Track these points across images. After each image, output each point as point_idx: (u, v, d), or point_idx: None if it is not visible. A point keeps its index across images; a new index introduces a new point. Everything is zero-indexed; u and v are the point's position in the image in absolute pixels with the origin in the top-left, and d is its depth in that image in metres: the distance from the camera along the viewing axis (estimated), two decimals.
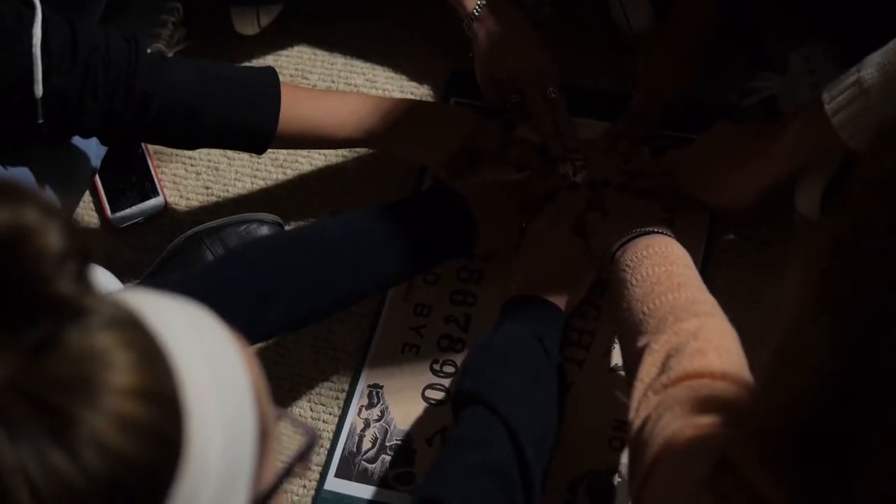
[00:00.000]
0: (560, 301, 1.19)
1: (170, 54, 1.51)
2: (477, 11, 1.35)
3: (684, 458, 0.76)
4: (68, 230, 0.51)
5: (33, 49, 1.08)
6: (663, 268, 1.05)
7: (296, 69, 1.54)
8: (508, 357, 1.11)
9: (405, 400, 1.27)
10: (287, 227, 1.38)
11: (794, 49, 1.33)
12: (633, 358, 0.97)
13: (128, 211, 1.43)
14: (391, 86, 1.51)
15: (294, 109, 1.24)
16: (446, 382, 1.27)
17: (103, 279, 1.17)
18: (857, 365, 0.56)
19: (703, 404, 0.78)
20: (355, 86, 1.52)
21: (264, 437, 0.58)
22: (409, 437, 1.24)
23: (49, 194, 1.18)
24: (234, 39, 1.54)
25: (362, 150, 1.46)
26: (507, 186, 1.33)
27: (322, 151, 1.46)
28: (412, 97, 1.49)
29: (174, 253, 1.34)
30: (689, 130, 1.34)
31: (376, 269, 1.16)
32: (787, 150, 1.16)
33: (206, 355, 0.55)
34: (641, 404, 0.88)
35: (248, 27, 1.53)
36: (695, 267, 1.10)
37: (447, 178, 1.35)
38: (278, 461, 0.61)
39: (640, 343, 0.97)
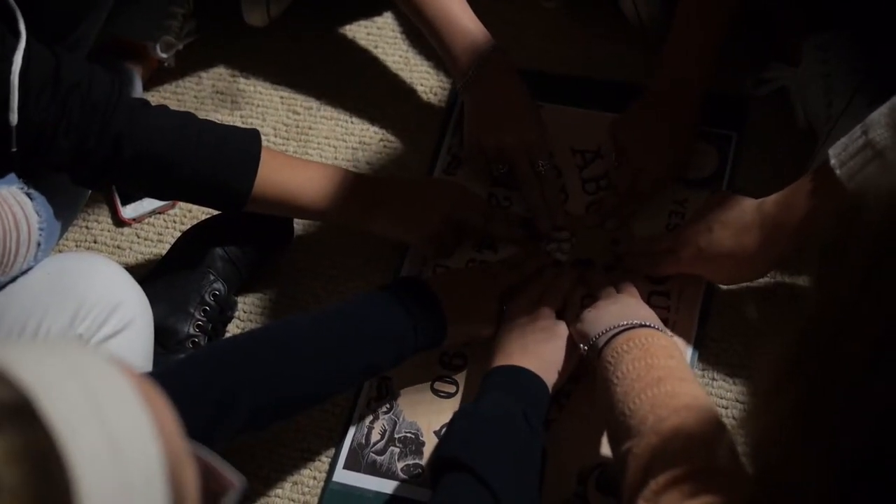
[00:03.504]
0: (543, 377, 1.15)
1: (180, 46, 1.51)
2: (470, 74, 1.30)
3: None
4: None
5: (11, 77, 1.07)
6: (643, 362, 1.02)
7: (304, 63, 1.54)
8: (496, 429, 1.08)
9: (414, 392, 1.27)
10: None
11: (807, 38, 1.31)
12: (620, 461, 0.96)
13: (139, 205, 1.44)
14: (402, 76, 1.51)
15: (271, 174, 1.20)
16: (455, 375, 1.27)
17: (115, 274, 1.18)
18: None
19: None
20: (368, 77, 1.52)
21: (178, 496, 0.53)
22: (417, 430, 1.24)
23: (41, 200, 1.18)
24: (244, 31, 1.54)
25: (373, 144, 1.46)
26: (487, 268, 1.30)
27: (331, 146, 1.46)
28: (422, 89, 1.49)
29: (182, 246, 1.34)
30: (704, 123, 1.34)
31: (343, 369, 1.13)
32: (802, 219, 1.11)
33: (108, 440, 0.49)
34: None
35: (258, 18, 1.52)
36: (680, 354, 1.07)
37: (432, 254, 1.31)
38: None
39: (624, 447, 0.95)
